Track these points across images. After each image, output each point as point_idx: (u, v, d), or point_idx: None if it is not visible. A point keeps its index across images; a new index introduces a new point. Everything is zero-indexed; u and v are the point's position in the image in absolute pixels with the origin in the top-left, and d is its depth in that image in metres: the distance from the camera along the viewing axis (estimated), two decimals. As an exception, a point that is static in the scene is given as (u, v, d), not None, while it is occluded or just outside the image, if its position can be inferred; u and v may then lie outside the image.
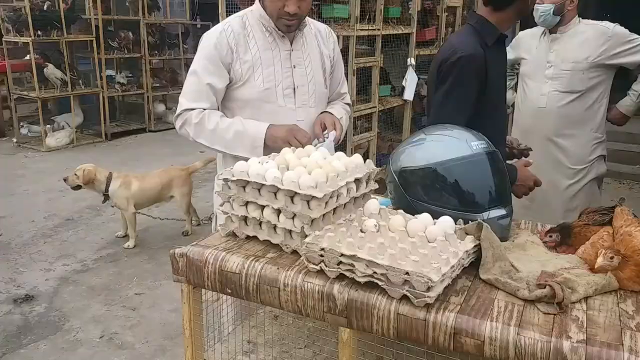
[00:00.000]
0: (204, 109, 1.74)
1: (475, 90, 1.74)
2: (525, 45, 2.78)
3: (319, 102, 1.85)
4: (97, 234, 4.07)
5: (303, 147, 1.64)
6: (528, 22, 2.75)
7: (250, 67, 1.73)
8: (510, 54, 2.89)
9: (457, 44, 1.76)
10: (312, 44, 1.83)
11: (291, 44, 1.78)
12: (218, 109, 1.80)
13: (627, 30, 2.56)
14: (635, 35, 2.56)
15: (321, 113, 1.86)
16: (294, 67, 1.78)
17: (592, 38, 2.53)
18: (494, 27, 1.79)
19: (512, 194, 1.51)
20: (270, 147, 1.69)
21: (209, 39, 1.74)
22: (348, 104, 2.05)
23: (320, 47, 1.86)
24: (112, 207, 3.96)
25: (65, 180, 3.77)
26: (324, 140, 1.74)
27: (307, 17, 1.81)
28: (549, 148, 2.65)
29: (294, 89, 1.78)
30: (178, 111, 1.78)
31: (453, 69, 1.72)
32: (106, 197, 3.79)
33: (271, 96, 1.75)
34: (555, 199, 2.66)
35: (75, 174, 3.72)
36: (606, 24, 2.56)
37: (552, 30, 2.62)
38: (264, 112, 1.74)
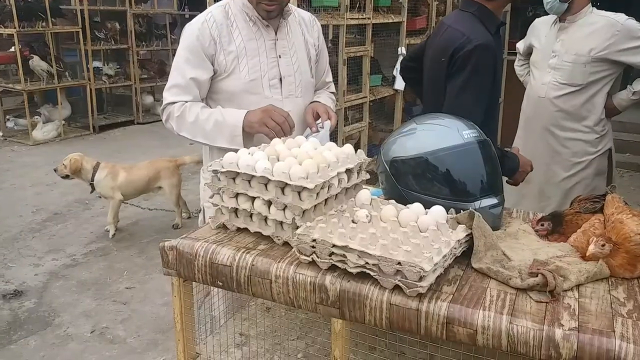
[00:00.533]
0: (186, 102, 1.71)
1: (491, 79, 1.71)
2: (537, 32, 2.71)
3: (305, 92, 1.82)
4: (86, 228, 4.04)
5: (281, 127, 1.59)
6: (519, 8, 2.69)
7: (235, 58, 1.69)
8: (525, 41, 2.85)
9: (468, 33, 1.69)
10: (297, 33, 1.80)
11: (276, 33, 1.74)
12: (203, 102, 1.76)
13: None
14: None
15: (311, 102, 1.83)
16: (280, 56, 1.74)
17: (600, 30, 2.40)
18: (494, 15, 1.77)
19: (503, 183, 1.50)
20: (250, 133, 1.65)
21: (191, 31, 1.70)
22: (333, 92, 2.03)
23: (305, 36, 1.83)
24: (99, 197, 3.94)
25: (55, 170, 3.78)
26: (318, 131, 1.72)
27: (291, 6, 1.78)
28: (547, 138, 2.62)
29: (280, 79, 1.75)
30: (162, 105, 1.76)
31: (470, 58, 1.66)
32: (93, 186, 3.78)
33: (257, 87, 1.71)
34: (551, 189, 2.63)
35: (64, 164, 3.72)
36: (618, 16, 2.40)
37: (562, 18, 2.53)
38: (250, 103, 1.70)
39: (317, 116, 1.75)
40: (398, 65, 4.00)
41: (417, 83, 2.10)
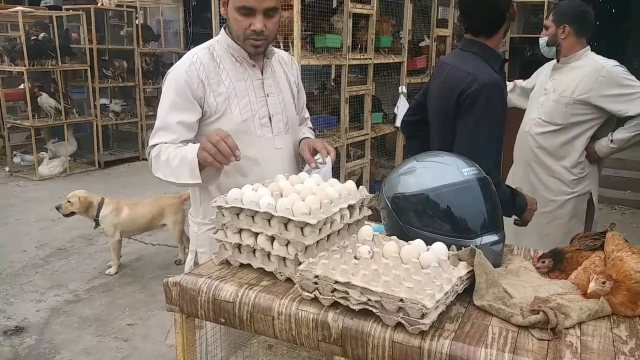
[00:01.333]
0: (166, 143, 1.66)
1: (501, 116, 1.72)
2: (543, 70, 2.78)
3: (292, 128, 1.85)
4: (89, 264, 4.04)
5: (217, 149, 1.48)
6: (518, 48, 2.74)
7: (225, 99, 1.69)
8: (535, 78, 2.89)
9: (475, 72, 1.71)
10: (280, 72, 1.84)
11: (262, 73, 1.76)
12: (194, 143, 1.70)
13: (627, 75, 2.39)
14: (634, 83, 2.37)
15: (303, 138, 1.86)
16: (267, 95, 1.76)
17: (586, 74, 2.43)
18: (496, 52, 1.81)
19: (504, 220, 1.52)
20: (205, 164, 1.55)
21: (178, 73, 1.68)
22: (311, 128, 2.07)
23: (287, 74, 1.86)
24: (104, 233, 3.95)
25: (58, 208, 3.76)
26: (317, 166, 1.74)
27: (274, 48, 1.81)
28: (527, 172, 2.66)
29: (270, 117, 1.76)
30: (147, 150, 1.73)
31: (479, 96, 1.67)
32: (97, 222, 3.79)
33: (249, 127, 1.71)
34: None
35: (69, 201, 3.72)
36: (607, 62, 2.43)
37: (558, 59, 2.59)
38: (242, 143, 1.60)
39: (314, 152, 1.76)
40: (399, 103, 4.08)
41: (419, 142, 2.07)
